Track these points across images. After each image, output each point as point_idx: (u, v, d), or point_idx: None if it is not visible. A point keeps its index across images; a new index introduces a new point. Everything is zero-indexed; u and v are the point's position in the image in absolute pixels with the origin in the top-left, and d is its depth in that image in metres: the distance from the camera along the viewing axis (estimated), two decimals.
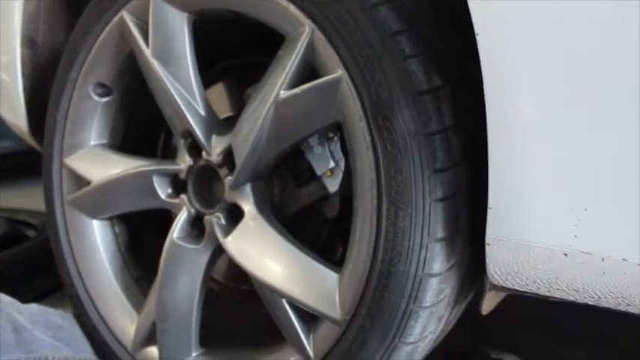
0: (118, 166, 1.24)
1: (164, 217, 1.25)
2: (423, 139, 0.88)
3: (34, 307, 1.06)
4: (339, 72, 0.92)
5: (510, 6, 0.80)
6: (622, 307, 0.84)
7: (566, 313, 1.32)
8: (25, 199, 2.22)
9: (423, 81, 0.89)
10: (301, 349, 1.04)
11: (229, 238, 1.09)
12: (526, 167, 0.83)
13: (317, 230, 1.18)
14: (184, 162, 1.15)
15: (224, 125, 1.14)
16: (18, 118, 1.46)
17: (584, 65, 0.78)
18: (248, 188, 1.08)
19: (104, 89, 1.26)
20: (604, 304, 0.84)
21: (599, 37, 0.76)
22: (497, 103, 0.83)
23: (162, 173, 1.18)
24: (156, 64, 1.12)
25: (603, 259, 0.81)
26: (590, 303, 0.85)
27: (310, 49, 0.96)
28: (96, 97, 1.27)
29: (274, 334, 1.08)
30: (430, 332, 0.97)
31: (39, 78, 1.42)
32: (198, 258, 1.14)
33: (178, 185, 1.18)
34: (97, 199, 1.27)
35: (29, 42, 1.40)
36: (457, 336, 1.13)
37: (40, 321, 1.02)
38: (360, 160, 0.93)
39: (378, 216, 0.91)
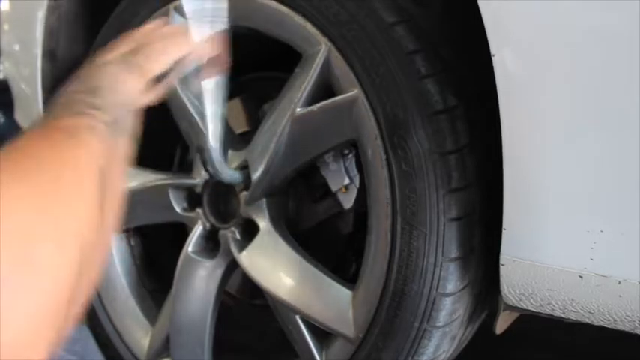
0: (135, 179, 1.25)
1: (179, 231, 1.25)
2: (438, 159, 0.88)
3: None
4: (355, 90, 0.93)
5: (526, 27, 0.80)
6: (639, 331, 0.83)
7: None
8: None
9: (439, 100, 0.89)
10: None
11: (244, 252, 1.09)
12: (541, 188, 0.83)
13: (331, 246, 1.18)
14: (200, 176, 1.16)
15: (240, 140, 1.15)
16: None
17: (602, 86, 0.77)
18: (263, 204, 1.08)
19: None
20: (620, 327, 0.83)
21: (616, 56, 0.76)
22: (512, 123, 0.83)
23: (178, 187, 1.19)
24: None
25: (619, 282, 0.80)
26: (605, 325, 0.84)
27: (327, 68, 0.96)
28: None
29: (287, 349, 1.08)
30: (443, 351, 0.96)
31: (59, 90, 1.43)
32: (212, 272, 1.15)
33: (194, 199, 1.18)
34: None
35: (50, 55, 1.41)
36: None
37: None
38: (375, 179, 0.93)
39: (392, 234, 0.91)
